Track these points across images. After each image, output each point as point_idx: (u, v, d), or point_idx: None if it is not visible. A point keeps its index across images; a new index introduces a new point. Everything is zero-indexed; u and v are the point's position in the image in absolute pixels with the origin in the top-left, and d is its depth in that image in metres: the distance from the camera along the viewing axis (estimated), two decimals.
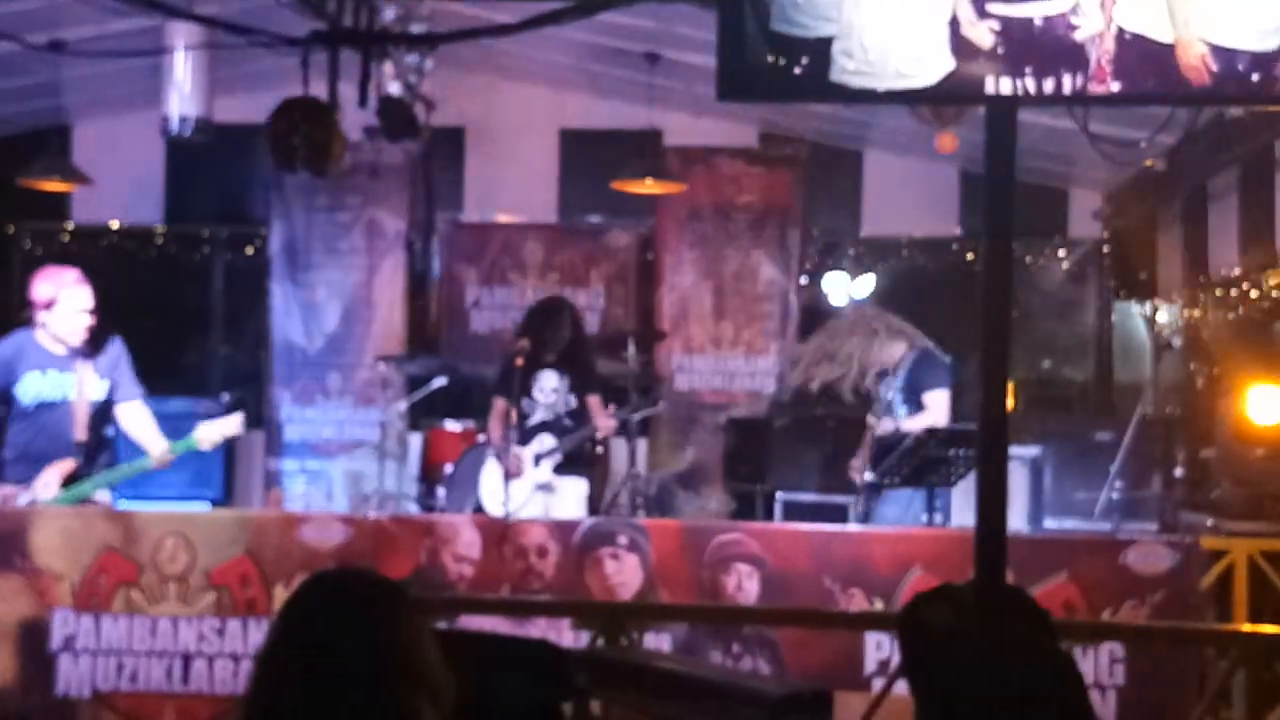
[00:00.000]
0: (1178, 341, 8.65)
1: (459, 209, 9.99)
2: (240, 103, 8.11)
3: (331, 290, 9.52)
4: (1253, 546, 5.91)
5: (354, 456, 9.38)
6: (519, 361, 7.17)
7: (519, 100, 9.75)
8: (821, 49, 3.36)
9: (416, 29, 7.13)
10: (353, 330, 9.51)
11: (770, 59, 3.40)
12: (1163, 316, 9.22)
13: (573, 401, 7.37)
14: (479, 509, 7.42)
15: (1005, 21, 3.28)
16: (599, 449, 7.99)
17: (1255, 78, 3.23)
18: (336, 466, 9.43)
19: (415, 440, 9.12)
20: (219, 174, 9.67)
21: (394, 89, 7.46)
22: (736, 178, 9.53)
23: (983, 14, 3.29)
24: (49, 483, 5.72)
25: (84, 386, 5.86)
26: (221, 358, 10.17)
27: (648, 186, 9.02)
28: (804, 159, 9.64)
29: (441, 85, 7.85)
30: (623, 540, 5.48)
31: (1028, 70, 3.28)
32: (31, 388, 5.83)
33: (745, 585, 5.39)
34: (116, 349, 6.01)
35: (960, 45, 3.31)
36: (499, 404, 7.40)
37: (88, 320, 5.85)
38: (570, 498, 7.31)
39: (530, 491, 7.18)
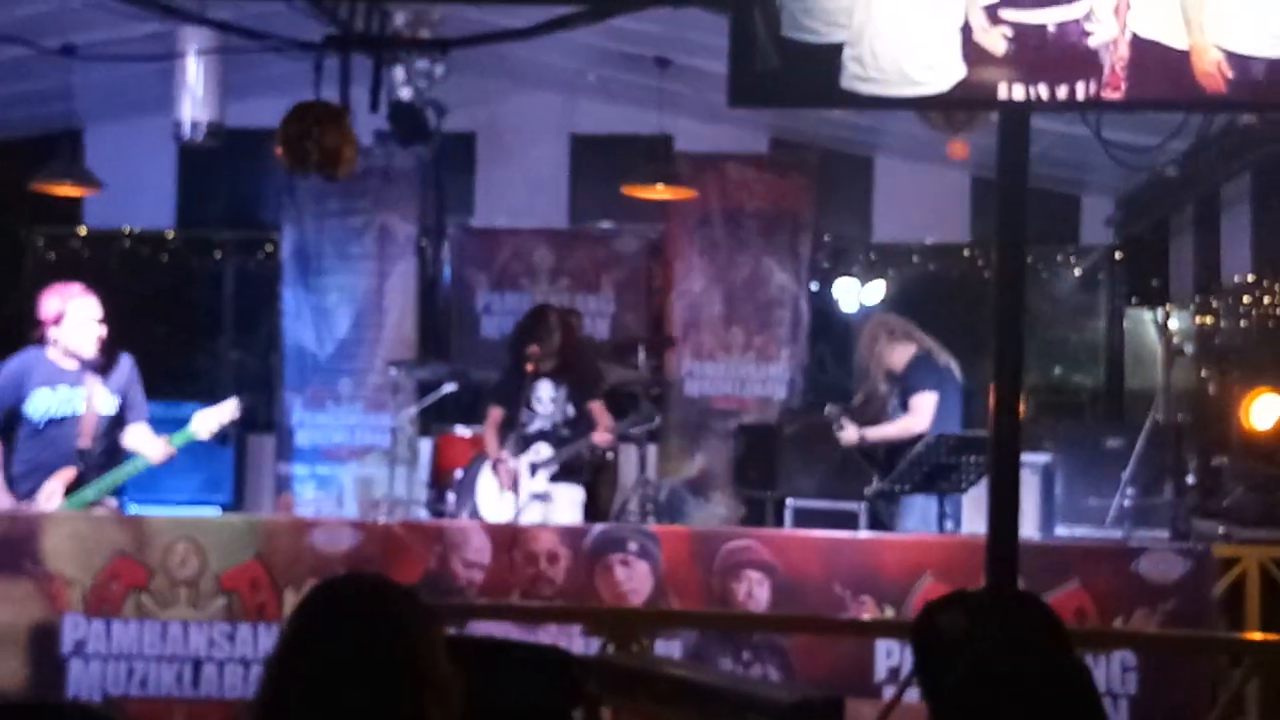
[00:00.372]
0: (1190, 348, 8.63)
1: (470, 214, 9.99)
2: (252, 107, 8.12)
3: (342, 295, 9.52)
4: (1265, 554, 5.87)
5: (364, 462, 9.38)
6: (530, 368, 7.16)
7: (530, 105, 9.75)
8: (832, 55, 3.36)
9: (427, 34, 7.14)
10: (363, 335, 9.51)
11: (781, 65, 3.40)
12: (1175, 323, 9.19)
13: (570, 410, 7.34)
14: (475, 515, 7.41)
15: (1018, 28, 3.28)
16: (609, 454, 7.97)
17: (1270, 84, 3.22)
18: (347, 471, 9.43)
19: (425, 445, 9.12)
20: (231, 178, 9.69)
21: (405, 94, 7.48)
22: (747, 184, 9.52)
23: (995, 20, 3.29)
24: (52, 493, 5.72)
25: (93, 400, 5.84)
26: (232, 362, 10.18)
27: (658, 192, 9.01)
28: (815, 165, 9.63)
29: (452, 90, 7.86)
30: (633, 547, 5.47)
31: (1040, 77, 3.27)
32: (41, 404, 5.82)
33: (755, 592, 5.39)
34: (128, 367, 5.98)
35: (972, 52, 3.31)
36: (494, 413, 7.39)
37: (98, 330, 5.84)
38: (567, 506, 7.28)
39: (526, 501, 7.15)
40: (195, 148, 7.91)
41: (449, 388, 8.65)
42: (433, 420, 9.09)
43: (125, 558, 5.48)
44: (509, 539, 5.54)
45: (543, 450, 7.28)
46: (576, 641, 5.13)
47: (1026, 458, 6.90)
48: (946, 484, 6.47)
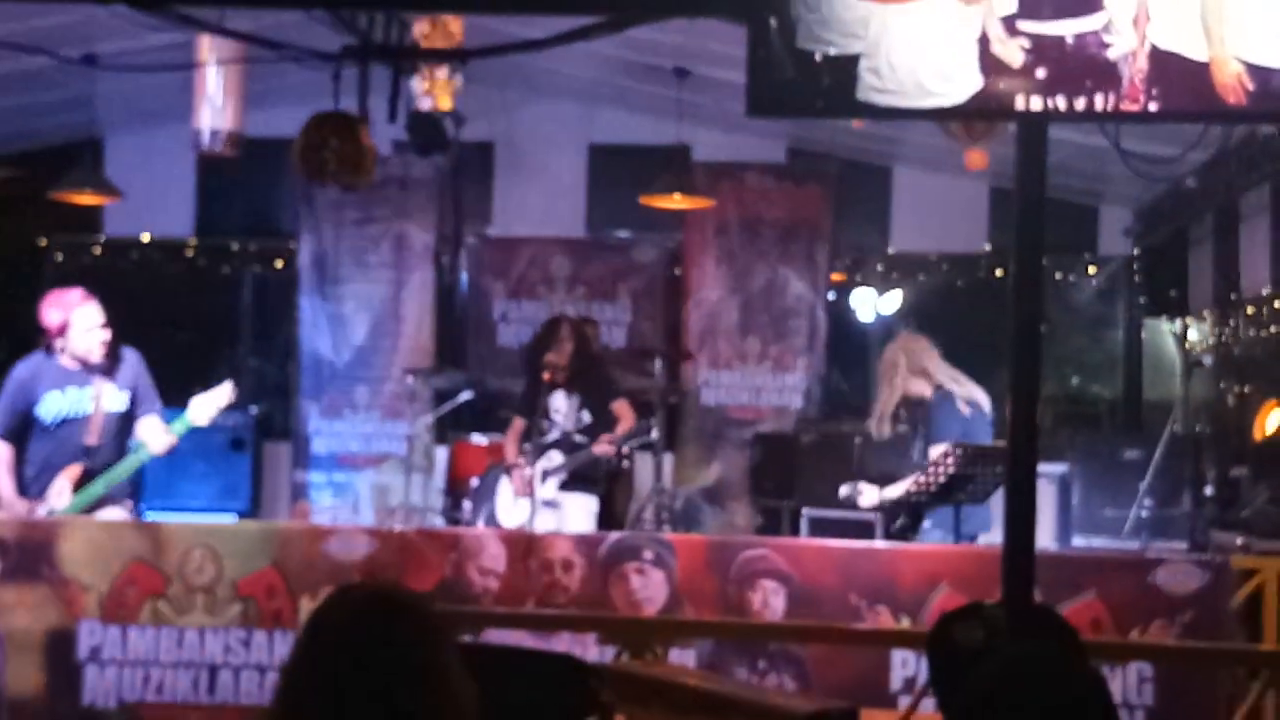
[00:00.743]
0: (1208, 359, 8.60)
1: (487, 223, 10.01)
2: (271, 117, 8.15)
3: (360, 304, 9.55)
4: None
5: (381, 469, 9.40)
6: (547, 376, 7.20)
7: (548, 115, 9.77)
8: (848, 67, 3.36)
9: (446, 44, 7.16)
10: (380, 344, 9.54)
11: (797, 76, 3.40)
12: (1193, 334, 9.17)
13: (585, 418, 7.38)
14: (493, 523, 7.45)
15: (1036, 39, 3.27)
16: (624, 463, 7.98)
17: None
18: (363, 479, 9.45)
19: (441, 453, 9.14)
20: (249, 188, 9.73)
21: (424, 104, 7.49)
22: (765, 193, 9.53)
23: (1013, 31, 3.28)
24: (61, 490, 5.78)
25: (102, 399, 5.90)
26: (250, 370, 10.21)
27: (676, 202, 9.02)
28: (833, 175, 9.63)
29: (471, 100, 7.88)
30: (648, 555, 5.47)
31: (1059, 88, 3.26)
32: (53, 406, 5.88)
33: (771, 601, 5.38)
34: (135, 361, 6.04)
35: (989, 63, 3.30)
36: (517, 422, 7.48)
37: (103, 335, 5.89)
38: (578, 514, 7.32)
39: (538, 509, 7.19)
40: (214, 157, 7.92)
41: (465, 396, 8.67)
42: (449, 428, 9.11)
43: (142, 564, 5.50)
44: (524, 547, 5.54)
45: (555, 458, 7.34)
46: (591, 650, 5.13)
47: (1043, 468, 6.87)
48: (964, 494, 6.44)
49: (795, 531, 8.00)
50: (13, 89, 8.18)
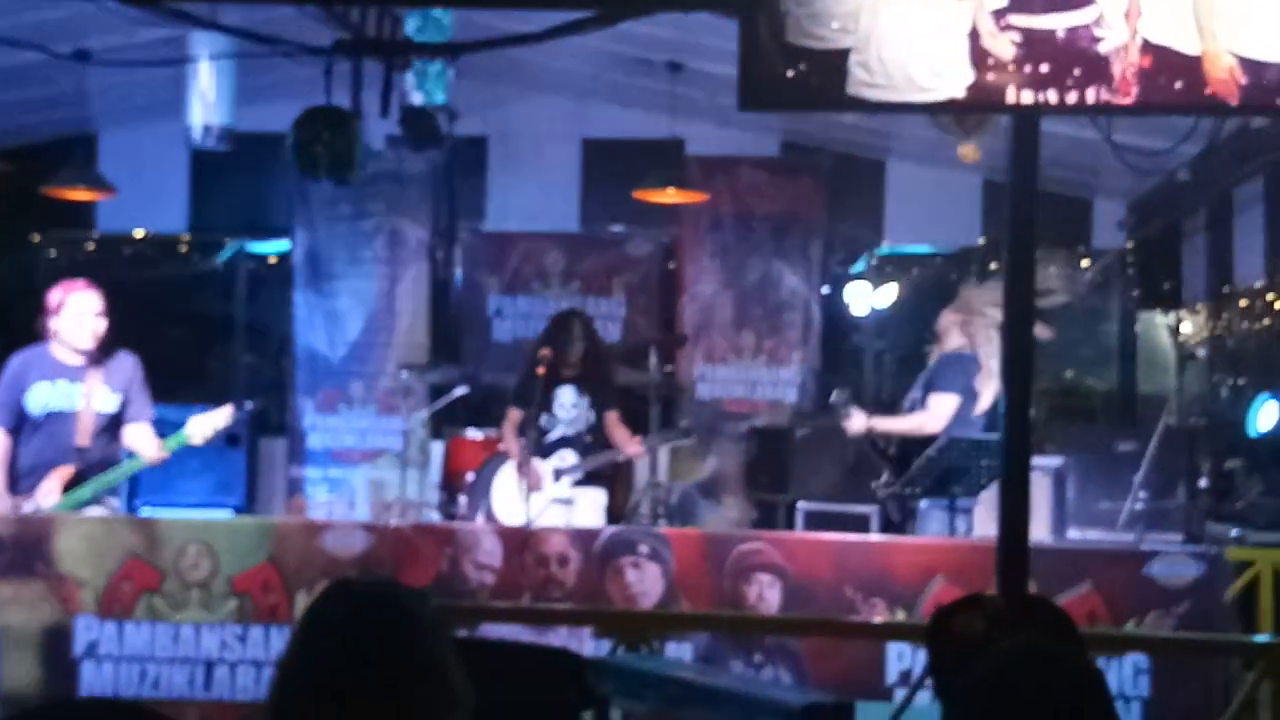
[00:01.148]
0: (1202, 351, 8.61)
1: (481, 218, 10.00)
2: (264, 112, 8.14)
3: (354, 299, 9.54)
4: (1278, 557, 5.87)
5: (376, 465, 9.40)
6: (540, 370, 7.17)
7: (541, 110, 9.77)
8: (838, 61, 3.36)
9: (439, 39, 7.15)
10: (375, 339, 9.53)
11: (787, 71, 3.40)
12: (1187, 326, 9.18)
13: (593, 417, 7.35)
14: (491, 518, 7.42)
15: (1027, 33, 3.28)
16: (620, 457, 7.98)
17: None
18: (359, 474, 9.45)
19: (437, 449, 9.13)
20: (243, 183, 9.71)
21: (417, 99, 7.49)
22: (758, 187, 9.52)
23: (1004, 26, 3.29)
24: (50, 490, 5.74)
25: (93, 398, 5.86)
26: (245, 366, 10.19)
27: (670, 196, 9.02)
28: (826, 168, 9.63)
29: (464, 95, 7.87)
30: (644, 549, 5.48)
31: (1050, 82, 3.27)
32: (41, 397, 5.83)
33: (767, 595, 5.39)
34: (131, 366, 5.98)
35: (980, 57, 3.30)
36: (514, 414, 7.40)
37: (96, 324, 5.84)
38: (587, 508, 7.30)
39: (547, 505, 7.16)
40: (207, 152, 7.94)
41: (460, 391, 8.66)
42: (444, 423, 9.11)
43: (137, 560, 5.50)
44: (520, 541, 5.55)
45: (568, 457, 7.29)
46: (587, 644, 5.14)
47: (1038, 461, 6.90)
48: (959, 487, 6.46)
49: (790, 525, 8.01)
50: (5, 84, 8.17)
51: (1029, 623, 2.41)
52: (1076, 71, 3.24)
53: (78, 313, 5.82)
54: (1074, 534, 7.45)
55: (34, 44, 6.93)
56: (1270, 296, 7.66)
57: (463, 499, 7.97)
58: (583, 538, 5.58)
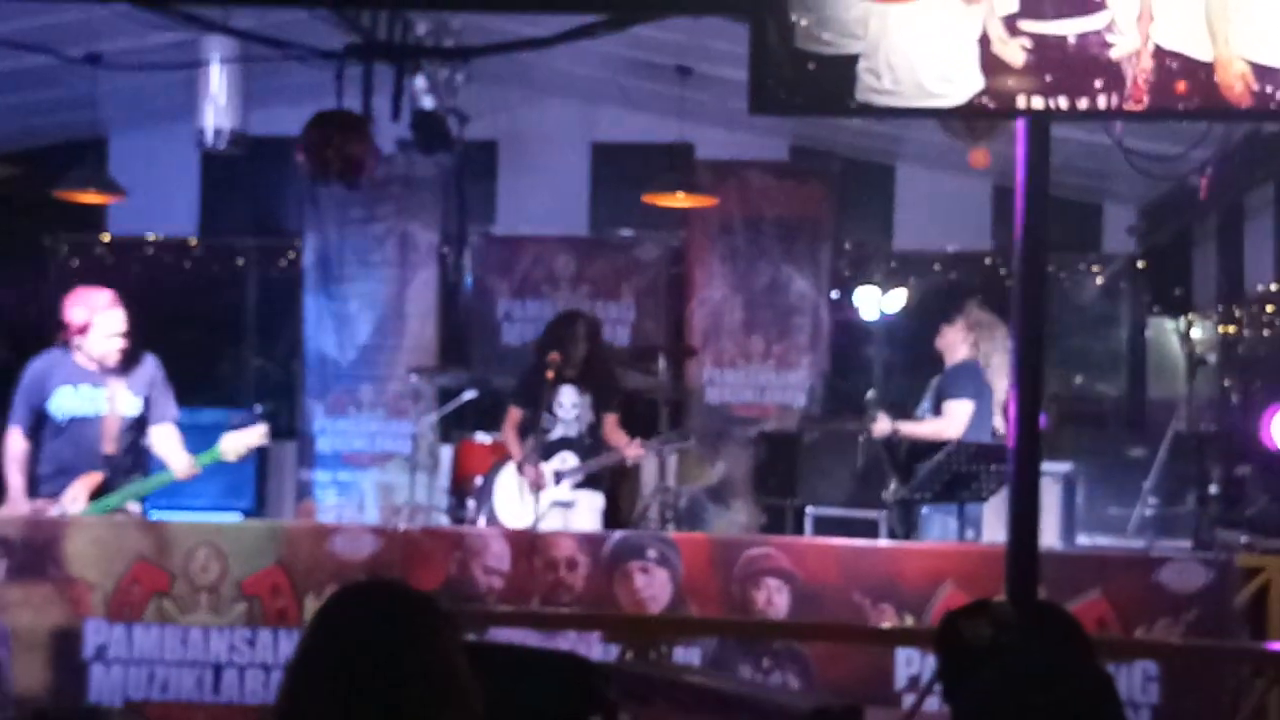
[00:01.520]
0: (1212, 358, 8.59)
1: (491, 222, 10.01)
2: (275, 115, 8.16)
3: (364, 302, 9.56)
4: None
5: (385, 468, 9.41)
6: (550, 375, 7.15)
7: (551, 114, 9.78)
8: (846, 67, 3.36)
9: (449, 43, 7.17)
10: (385, 342, 9.54)
11: (796, 76, 3.40)
12: (1197, 332, 9.15)
13: (593, 418, 7.33)
14: (492, 518, 7.42)
15: (1038, 39, 3.27)
16: (627, 462, 7.97)
17: None
18: (368, 478, 9.46)
19: (446, 452, 9.14)
20: (253, 186, 9.73)
21: (427, 102, 7.50)
22: (768, 191, 9.53)
23: (1014, 31, 3.28)
24: (76, 496, 5.76)
25: (116, 402, 5.88)
26: (255, 369, 10.22)
27: (679, 200, 9.02)
28: (835, 173, 9.63)
29: (474, 99, 7.88)
30: (652, 554, 5.47)
31: (1061, 88, 3.26)
32: (64, 403, 5.86)
33: (775, 600, 5.38)
34: (152, 367, 6.01)
35: (990, 63, 3.30)
36: (514, 413, 7.39)
37: (121, 344, 5.87)
38: (587, 512, 7.28)
39: (548, 507, 7.16)
40: (218, 155, 7.96)
41: (469, 395, 8.67)
42: (453, 427, 9.12)
43: (147, 563, 5.51)
44: (528, 546, 5.55)
45: (568, 459, 7.28)
46: (595, 648, 5.14)
47: (1048, 467, 6.88)
48: (967, 493, 6.45)
49: (799, 530, 8.01)
50: (17, 87, 8.19)
51: (1038, 628, 2.40)
52: (1088, 77, 3.23)
53: (104, 335, 5.85)
54: (1083, 540, 7.45)
55: (46, 47, 6.95)
56: None
57: (471, 503, 7.98)
58: (591, 542, 5.58)
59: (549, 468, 7.25)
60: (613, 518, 7.60)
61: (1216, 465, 7.71)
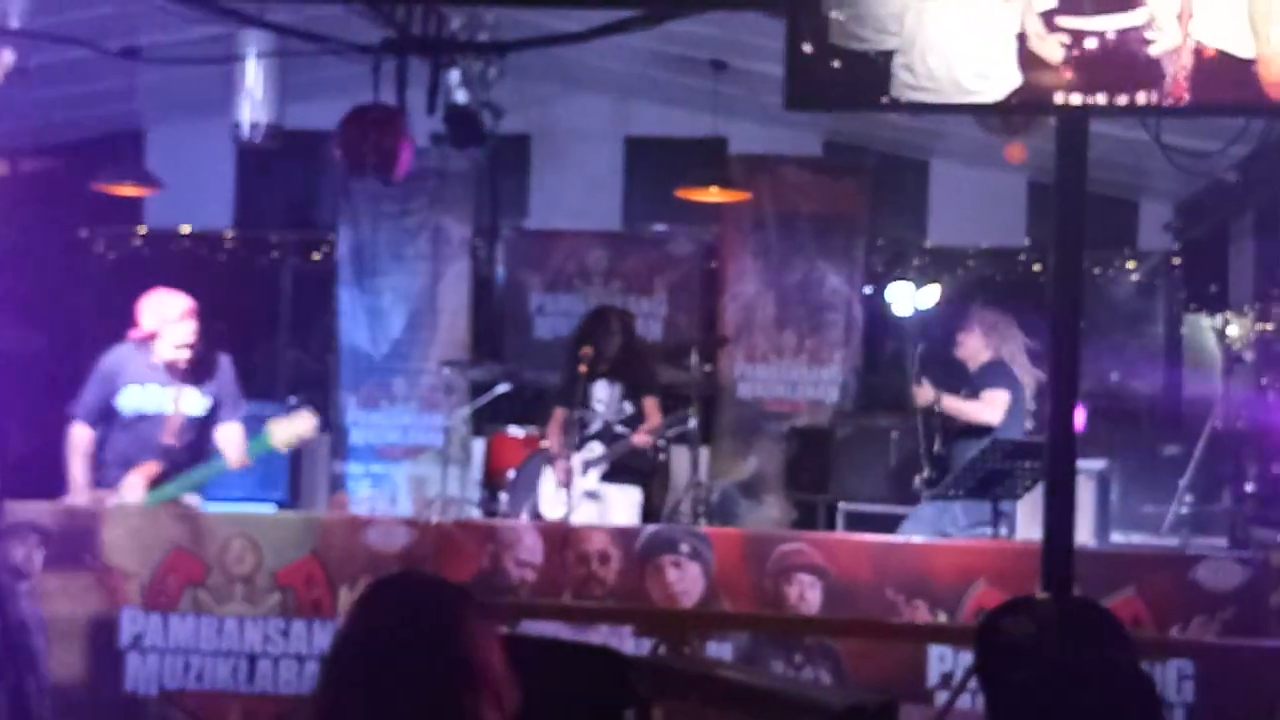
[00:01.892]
0: (1249, 355, 8.52)
1: (524, 216, 10.03)
2: (310, 109, 8.20)
3: (397, 296, 9.60)
4: None
5: (418, 461, 9.45)
6: (582, 369, 7.21)
7: (584, 108, 9.78)
8: (882, 64, 3.34)
9: (483, 37, 7.18)
10: (418, 336, 9.58)
11: (833, 72, 3.39)
12: (1233, 329, 9.08)
13: (627, 409, 7.40)
14: (536, 515, 7.49)
15: (1076, 35, 3.25)
16: (660, 456, 7.99)
17: None
18: (401, 471, 9.50)
19: (479, 446, 9.17)
20: (288, 180, 9.78)
21: (461, 97, 7.52)
22: (801, 186, 9.50)
23: (1052, 28, 3.26)
24: (134, 484, 5.82)
25: (182, 401, 5.96)
26: (289, 362, 10.26)
27: (712, 195, 9.01)
28: (870, 168, 9.61)
29: (508, 93, 7.89)
30: (685, 548, 5.48)
31: (1099, 85, 3.23)
32: (131, 400, 5.93)
33: (808, 595, 5.38)
34: (224, 367, 6.09)
35: (1028, 59, 3.28)
36: (559, 413, 7.49)
37: (188, 354, 5.93)
38: (622, 506, 7.34)
39: (580, 499, 7.22)
40: (254, 149, 7.99)
41: (502, 388, 8.70)
42: (486, 420, 9.14)
43: (183, 552, 5.55)
44: (561, 539, 5.56)
45: (596, 449, 7.36)
46: (627, 642, 5.15)
47: (1082, 464, 6.81)
48: (1001, 490, 6.43)
49: (831, 526, 8.00)
50: (55, 81, 8.25)
51: (1081, 627, 2.39)
52: (1127, 74, 3.21)
53: (173, 344, 5.91)
54: (1117, 538, 7.41)
55: (83, 41, 6.99)
56: None
57: (504, 496, 8.01)
58: (624, 536, 5.59)
59: (578, 459, 7.31)
60: (645, 512, 7.63)
61: (1253, 463, 7.65)
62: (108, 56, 7.39)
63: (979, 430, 6.75)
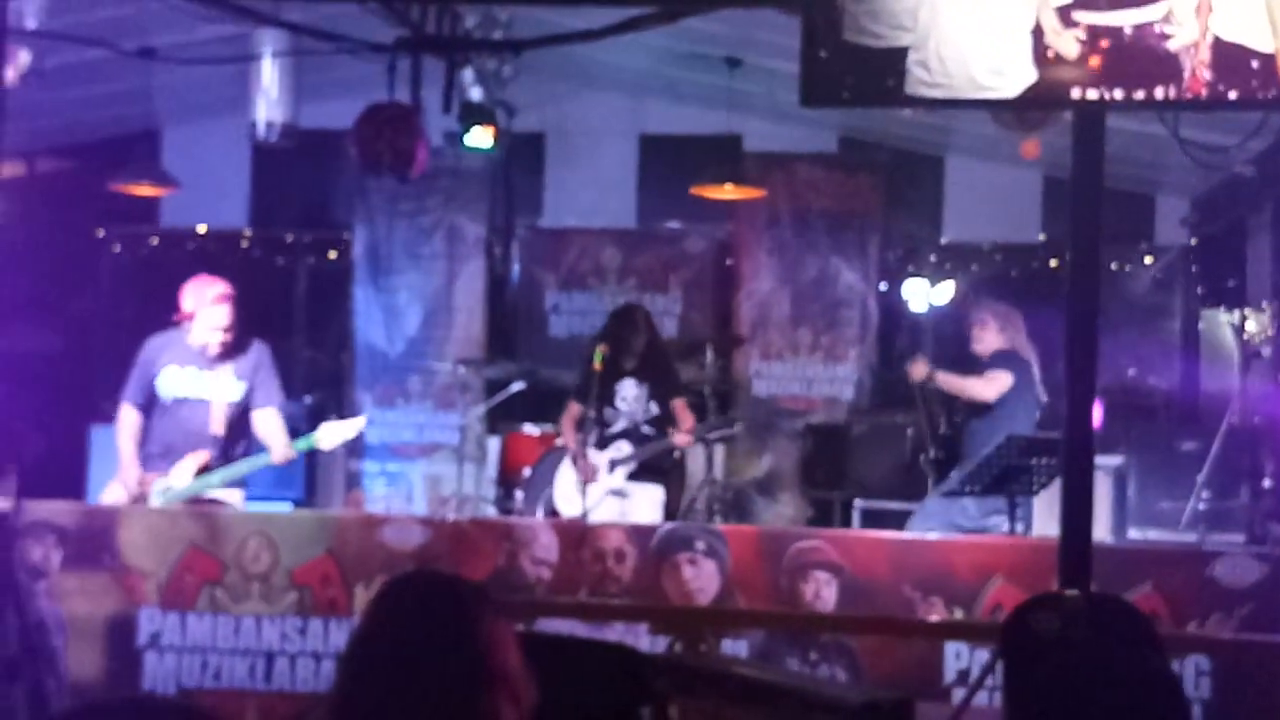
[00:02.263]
0: (1266, 350, 8.49)
1: (538, 214, 10.04)
2: (326, 109, 8.21)
3: (412, 294, 9.61)
4: None
5: (433, 459, 9.46)
6: (597, 366, 7.21)
7: (599, 106, 9.78)
8: (896, 59, 3.33)
9: (498, 36, 7.19)
10: (433, 334, 9.59)
11: (847, 68, 3.38)
12: (1251, 325, 9.04)
13: (654, 409, 7.41)
14: (552, 511, 7.48)
15: (1093, 30, 3.23)
16: (676, 454, 7.99)
17: None
18: (416, 469, 9.51)
19: (494, 444, 9.18)
20: (304, 179, 9.79)
21: (475, 95, 7.53)
22: (816, 183, 9.49)
23: (1068, 23, 3.24)
24: (185, 469, 5.93)
25: (221, 386, 6.08)
26: (305, 360, 10.28)
27: (727, 192, 9.00)
28: (884, 164, 9.59)
29: (522, 91, 7.90)
30: (700, 546, 5.48)
31: (1116, 80, 3.22)
32: (171, 382, 6.05)
33: (823, 592, 5.37)
34: (258, 354, 6.19)
35: (1044, 55, 3.26)
36: (573, 407, 7.47)
37: (222, 337, 6.05)
38: (645, 504, 7.34)
39: (603, 496, 7.23)
40: (269, 148, 8.00)
41: (517, 386, 8.71)
42: (501, 419, 9.15)
43: (199, 551, 5.57)
44: (577, 537, 5.56)
45: (624, 448, 7.36)
46: (643, 640, 5.15)
47: (1099, 460, 6.80)
48: (1017, 486, 6.42)
49: (846, 523, 7.99)
50: (71, 81, 8.27)
51: (1108, 624, 2.38)
52: (1144, 68, 3.19)
53: (207, 327, 6.04)
54: (1134, 534, 7.38)
55: (99, 41, 7.01)
56: None
57: (519, 494, 8.02)
58: (640, 534, 5.59)
59: (604, 456, 7.32)
60: (662, 509, 7.62)
61: (1270, 459, 7.62)
62: (123, 57, 7.42)
63: (985, 411, 6.77)
